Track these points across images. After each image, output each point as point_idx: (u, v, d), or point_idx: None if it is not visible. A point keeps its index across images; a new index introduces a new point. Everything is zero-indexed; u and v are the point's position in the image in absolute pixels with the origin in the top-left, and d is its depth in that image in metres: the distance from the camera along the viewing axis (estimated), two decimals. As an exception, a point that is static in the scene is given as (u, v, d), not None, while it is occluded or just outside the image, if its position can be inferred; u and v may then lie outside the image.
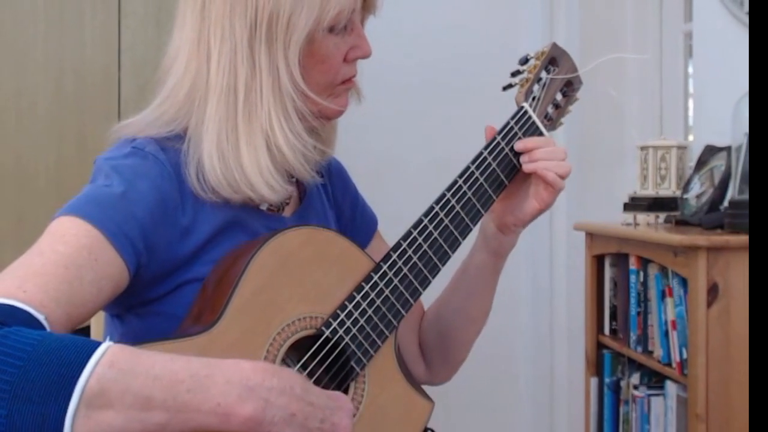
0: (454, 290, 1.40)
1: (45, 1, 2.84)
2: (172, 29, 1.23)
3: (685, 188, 2.60)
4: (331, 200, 1.39)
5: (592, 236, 2.83)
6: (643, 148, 2.80)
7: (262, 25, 1.14)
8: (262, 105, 1.16)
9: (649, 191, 2.74)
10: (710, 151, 2.57)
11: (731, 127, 2.33)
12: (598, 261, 2.81)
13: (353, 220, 1.40)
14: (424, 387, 1.30)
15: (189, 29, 1.19)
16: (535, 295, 3.82)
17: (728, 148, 2.43)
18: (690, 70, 3.38)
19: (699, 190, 2.53)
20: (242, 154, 1.15)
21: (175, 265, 1.14)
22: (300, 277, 1.13)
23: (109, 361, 0.92)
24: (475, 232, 1.31)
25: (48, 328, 0.97)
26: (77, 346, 0.92)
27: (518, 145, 1.31)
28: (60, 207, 3.08)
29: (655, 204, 2.68)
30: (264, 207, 1.25)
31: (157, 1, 2.89)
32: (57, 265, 1.02)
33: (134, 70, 2.88)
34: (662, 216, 2.66)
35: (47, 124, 2.84)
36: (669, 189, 2.71)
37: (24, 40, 2.83)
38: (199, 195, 1.15)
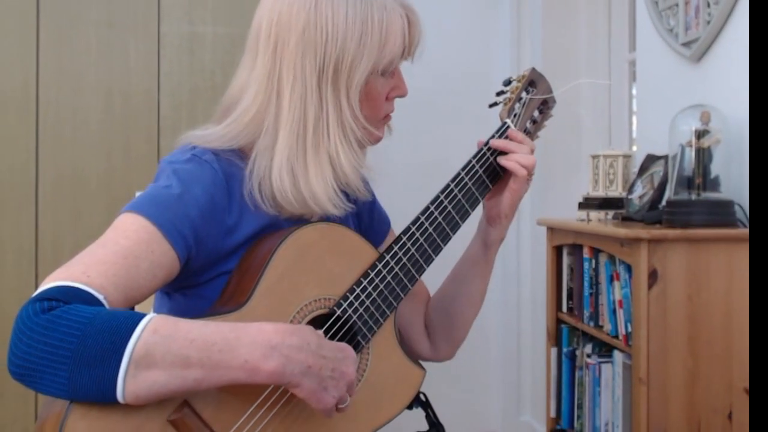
0: (454, 277, 1.39)
1: (97, 35, 2.84)
2: (238, 68, 1.21)
3: (630, 190, 2.60)
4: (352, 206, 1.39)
5: (552, 230, 2.83)
6: (594, 157, 2.81)
7: (329, 68, 1.13)
8: (330, 136, 1.14)
9: (600, 193, 2.74)
10: (650, 159, 2.58)
11: (668, 139, 2.34)
12: (557, 251, 2.80)
13: (371, 222, 1.39)
14: (428, 364, 1.30)
15: (260, 67, 1.16)
16: (505, 279, 3.83)
17: (665, 157, 2.44)
18: (634, 92, 3.39)
19: (641, 192, 2.53)
20: (310, 175, 1.14)
21: (218, 257, 1.13)
22: (316, 265, 1.13)
23: (152, 328, 0.92)
24: (466, 227, 1.30)
25: (107, 307, 0.97)
26: (126, 317, 0.93)
27: (494, 143, 1.30)
28: (109, 206, 3.08)
29: (604, 203, 2.68)
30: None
31: (190, 35, 2.89)
32: (117, 255, 1.01)
33: (171, 92, 2.89)
34: (611, 213, 2.66)
35: (98, 137, 2.84)
36: (616, 191, 2.71)
37: (79, 67, 2.83)
38: (254, 204, 1.14)
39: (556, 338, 2.79)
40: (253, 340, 0.95)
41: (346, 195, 1.20)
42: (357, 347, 1.15)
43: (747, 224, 2.17)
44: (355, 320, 1.15)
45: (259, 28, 1.18)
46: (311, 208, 1.15)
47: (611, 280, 2.32)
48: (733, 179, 2.23)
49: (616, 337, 2.28)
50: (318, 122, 1.14)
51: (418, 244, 1.21)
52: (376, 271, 1.17)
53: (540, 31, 3.65)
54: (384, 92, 1.20)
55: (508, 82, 1.39)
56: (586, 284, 2.52)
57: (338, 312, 1.14)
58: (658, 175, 2.48)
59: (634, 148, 3.22)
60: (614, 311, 2.30)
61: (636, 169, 2.70)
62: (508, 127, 1.33)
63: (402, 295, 1.19)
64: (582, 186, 3.38)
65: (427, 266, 1.23)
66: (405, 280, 1.20)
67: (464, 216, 1.27)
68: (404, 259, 1.20)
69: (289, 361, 0.95)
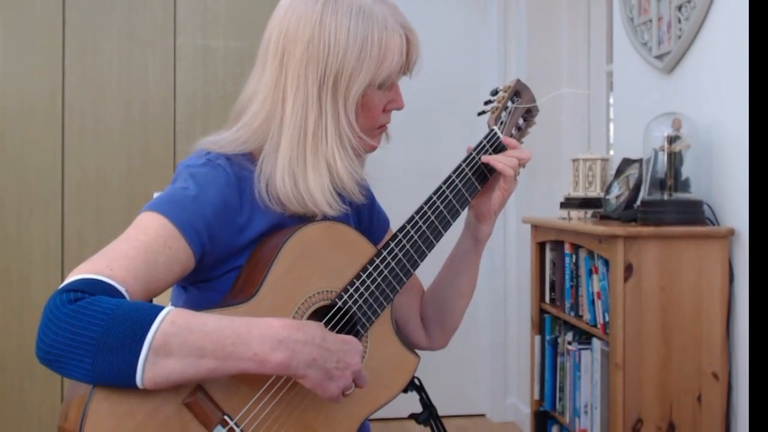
0: (446, 271, 1.38)
1: (118, 48, 2.84)
2: (249, 75, 1.21)
3: (607, 191, 2.61)
4: (353, 206, 1.36)
5: (536, 227, 2.83)
6: (575, 160, 2.81)
7: (330, 79, 1.13)
8: (327, 142, 1.14)
9: (580, 193, 2.75)
10: (626, 163, 2.58)
11: (642, 144, 2.34)
12: (541, 246, 2.81)
13: (370, 222, 1.38)
14: (422, 351, 1.31)
15: (268, 76, 1.16)
16: (492, 273, 3.84)
17: (640, 161, 2.44)
18: (611, 100, 3.39)
19: (618, 192, 2.54)
20: (309, 178, 1.14)
21: (230, 254, 1.13)
22: (319, 260, 1.13)
23: (171, 320, 0.92)
24: (457, 225, 1.29)
25: (128, 299, 0.97)
26: (146, 309, 0.93)
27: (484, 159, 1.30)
28: (129, 205, 3.07)
29: (584, 203, 2.68)
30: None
31: (203, 48, 2.89)
32: (138, 251, 1.01)
33: (186, 101, 2.88)
34: (590, 212, 2.67)
35: (119, 142, 2.84)
36: (595, 191, 2.72)
37: (102, 78, 2.83)
38: (263, 203, 1.14)
39: (539, 327, 2.80)
40: (262, 333, 0.95)
41: (342, 197, 1.19)
42: (356, 336, 1.15)
43: (715, 222, 2.17)
44: (354, 311, 1.15)
45: (269, 39, 1.18)
46: (309, 208, 1.15)
47: (590, 273, 2.33)
48: (702, 181, 2.24)
49: (595, 325, 2.29)
50: (317, 129, 1.14)
51: (413, 240, 1.21)
52: (374, 266, 1.17)
53: (525, 43, 3.65)
54: (381, 104, 1.20)
55: (495, 92, 1.39)
56: (567, 277, 2.53)
57: (339, 303, 1.14)
58: (633, 177, 2.48)
59: (611, 152, 3.22)
60: (593, 302, 2.30)
61: (613, 172, 2.71)
62: (495, 133, 1.33)
63: (398, 288, 1.19)
64: (563, 187, 3.39)
65: (422, 261, 1.22)
66: (401, 274, 1.20)
67: (456, 215, 1.27)
68: (400, 255, 1.20)
69: (295, 354, 0.95)
